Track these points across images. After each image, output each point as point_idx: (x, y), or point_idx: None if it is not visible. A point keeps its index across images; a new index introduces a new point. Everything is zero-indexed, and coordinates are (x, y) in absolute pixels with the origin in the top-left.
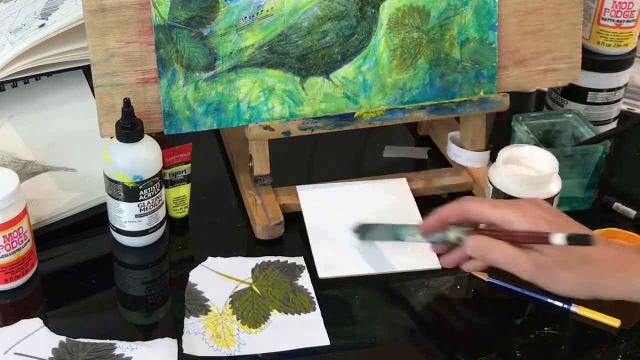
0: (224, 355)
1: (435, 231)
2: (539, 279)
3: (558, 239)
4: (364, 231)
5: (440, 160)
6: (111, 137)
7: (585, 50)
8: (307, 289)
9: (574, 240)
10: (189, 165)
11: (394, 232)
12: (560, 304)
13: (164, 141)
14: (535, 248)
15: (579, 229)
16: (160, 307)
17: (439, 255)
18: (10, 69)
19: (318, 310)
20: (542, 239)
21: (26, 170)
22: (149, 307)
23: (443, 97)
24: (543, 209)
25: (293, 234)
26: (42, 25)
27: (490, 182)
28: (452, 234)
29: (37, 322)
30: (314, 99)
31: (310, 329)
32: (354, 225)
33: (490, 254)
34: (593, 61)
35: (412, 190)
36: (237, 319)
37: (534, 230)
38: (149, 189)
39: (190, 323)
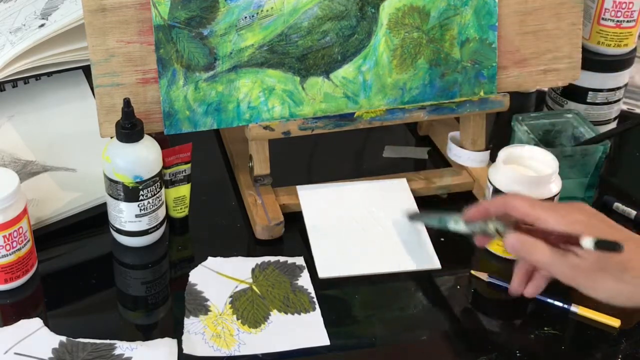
0: (224, 355)
1: (477, 221)
2: (578, 283)
3: (587, 242)
4: (416, 217)
5: (440, 160)
6: (111, 137)
7: (585, 50)
8: (307, 289)
9: (601, 245)
10: (189, 165)
11: (440, 219)
12: (560, 304)
13: (164, 141)
14: (574, 251)
15: (614, 234)
16: (160, 307)
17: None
18: (10, 69)
19: (318, 310)
20: (573, 240)
21: (26, 170)
22: (149, 307)
23: (443, 97)
24: (583, 212)
25: (293, 234)
26: (42, 25)
27: (490, 182)
28: (492, 225)
29: (37, 322)
30: (314, 99)
31: (310, 329)
32: (409, 211)
33: (529, 254)
34: (593, 61)
35: (412, 190)
36: (237, 319)
37: (568, 231)
38: (149, 189)
39: (190, 323)
